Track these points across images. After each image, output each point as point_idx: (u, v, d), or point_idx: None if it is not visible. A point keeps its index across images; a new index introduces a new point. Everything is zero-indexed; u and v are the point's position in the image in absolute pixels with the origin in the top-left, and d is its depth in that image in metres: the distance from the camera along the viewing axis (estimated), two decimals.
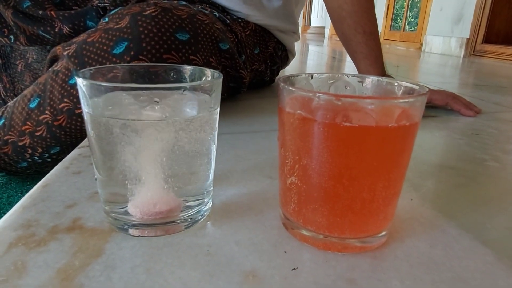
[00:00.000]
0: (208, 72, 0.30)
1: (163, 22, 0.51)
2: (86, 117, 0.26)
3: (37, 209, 0.31)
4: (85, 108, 0.25)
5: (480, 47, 2.34)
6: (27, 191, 0.35)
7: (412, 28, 3.49)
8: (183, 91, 0.25)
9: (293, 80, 0.29)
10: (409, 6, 3.60)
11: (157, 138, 0.24)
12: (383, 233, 0.27)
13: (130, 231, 0.28)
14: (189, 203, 0.29)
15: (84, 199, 0.33)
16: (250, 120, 0.62)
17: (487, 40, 2.33)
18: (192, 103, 0.26)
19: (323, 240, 0.26)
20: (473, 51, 2.39)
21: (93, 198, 0.33)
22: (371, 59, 0.75)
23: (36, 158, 0.60)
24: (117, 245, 0.26)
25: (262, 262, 0.25)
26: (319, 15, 5.58)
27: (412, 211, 0.33)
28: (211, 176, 0.30)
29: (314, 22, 5.70)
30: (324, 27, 5.34)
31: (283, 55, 0.93)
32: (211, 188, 0.31)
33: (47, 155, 0.59)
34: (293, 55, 0.99)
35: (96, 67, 0.27)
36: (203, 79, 0.30)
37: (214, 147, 0.29)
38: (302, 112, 0.24)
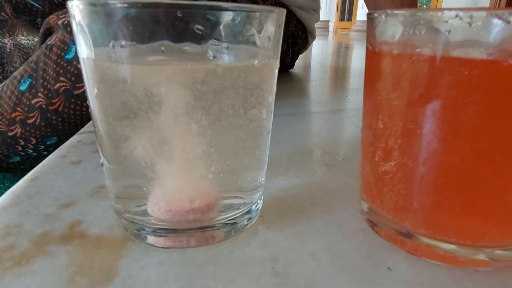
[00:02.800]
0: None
1: None
2: (84, 68, 0.17)
3: (20, 210, 0.22)
4: (84, 53, 0.16)
5: None
6: None
7: None
8: (238, 16, 0.16)
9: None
10: None
11: (198, 94, 0.15)
12: None
13: (154, 239, 0.19)
14: (237, 200, 0.20)
15: (85, 196, 0.24)
16: (279, 103, 0.53)
17: None
18: (251, 44, 0.17)
19: (447, 250, 0.17)
20: None
21: (98, 194, 0.24)
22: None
23: (30, 151, 0.51)
24: (137, 262, 0.18)
25: (363, 285, 0.16)
26: (323, 9, 5.47)
27: None
28: (267, 160, 0.21)
29: None
30: (328, 21, 5.23)
31: (303, 36, 0.84)
32: (264, 179, 0.22)
33: (42, 147, 0.50)
34: (313, 37, 0.90)
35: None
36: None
37: (271, 117, 0.20)
38: (428, 49, 0.15)
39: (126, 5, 0.14)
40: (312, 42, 0.92)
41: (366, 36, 0.19)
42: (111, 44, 0.15)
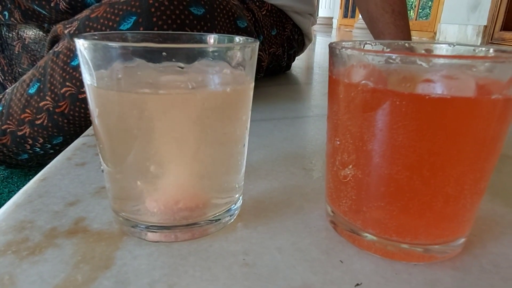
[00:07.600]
0: (239, 39, 0.24)
1: None
2: (88, 92, 0.20)
3: (32, 208, 0.26)
4: (87, 80, 0.20)
5: (499, 35, 2.25)
6: None
7: (425, 17, 3.40)
8: (215, 52, 0.19)
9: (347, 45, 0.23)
10: None
11: (180, 116, 0.19)
12: (464, 238, 0.22)
13: (146, 234, 0.22)
14: (218, 200, 0.23)
15: (88, 195, 0.27)
16: (271, 107, 0.56)
17: (505, 27, 2.23)
18: (225, 73, 0.20)
19: (390, 246, 0.21)
20: (491, 39, 2.29)
21: (100, 194, 0.28)
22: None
23: (38, 150, 0.55)
24: (130, 253, 0.21)
25: (316, 275, 0.20)
26: (327, 6, 5.47)
27: (483, 208, 0.28)
28: (243, 167, 0.24)
29: (322, 12, 5.58)
30: (332, 18, 5.23)
31: (300, 39, 0.87)
32: (243, 183, 0.25)
33: (49, 146, 0.54)
34: (310, 40, 0.93)
35: (100, 32, 0.21)
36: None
37: (247, 132, 0.23)
38: (370, 82, 0.18)
39: (120, 46, 0.17)
40: (309, 44, 0.95)
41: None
42: (109, 75, 0.18)
